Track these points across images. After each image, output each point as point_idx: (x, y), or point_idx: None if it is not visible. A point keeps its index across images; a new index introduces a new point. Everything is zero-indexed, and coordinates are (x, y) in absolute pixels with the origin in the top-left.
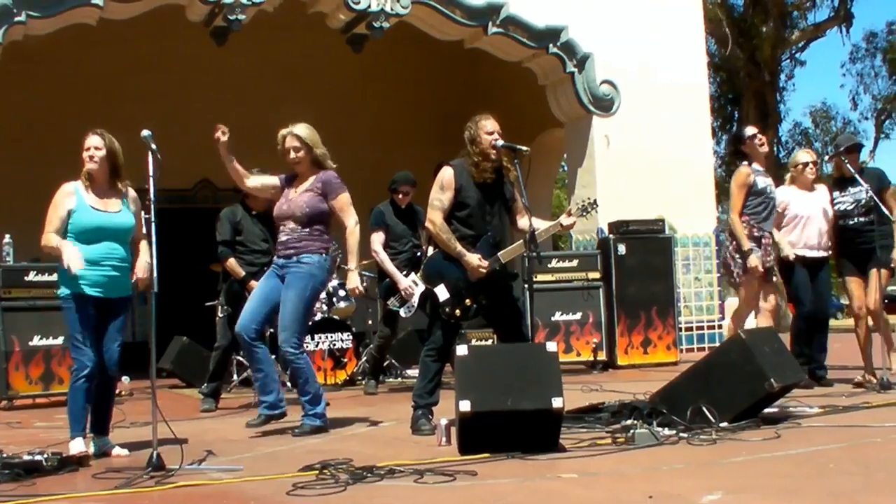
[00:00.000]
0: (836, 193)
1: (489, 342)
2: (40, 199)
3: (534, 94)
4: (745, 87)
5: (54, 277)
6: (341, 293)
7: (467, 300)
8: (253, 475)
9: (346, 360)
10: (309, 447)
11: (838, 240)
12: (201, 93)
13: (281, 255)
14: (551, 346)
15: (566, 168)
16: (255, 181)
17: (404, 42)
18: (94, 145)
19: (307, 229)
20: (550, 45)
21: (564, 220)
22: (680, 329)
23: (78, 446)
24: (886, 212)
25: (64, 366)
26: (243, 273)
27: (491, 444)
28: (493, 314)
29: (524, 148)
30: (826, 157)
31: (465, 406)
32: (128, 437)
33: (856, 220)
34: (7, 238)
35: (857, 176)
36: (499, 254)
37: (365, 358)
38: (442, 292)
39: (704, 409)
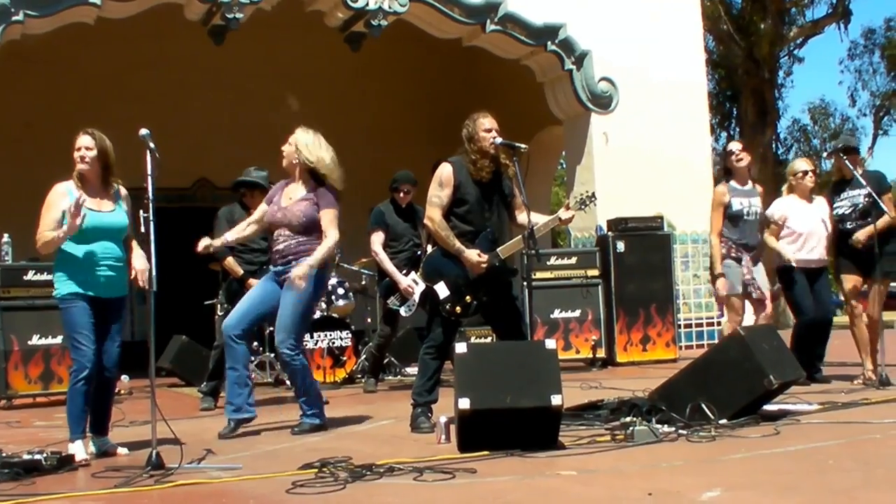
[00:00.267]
0: (835, 196)
1: (488, 340)
2: (39, 198)
3: (532, 91)
4: (743, 85)
5: (52, 277)
6: (340, 291)
7: (467, 297)
8: (252, 474)
9: (345, 358)
10: (308, 445)
11: (837, 241)
12: (199, 92)
13: (279, 263)
14: (550, 344)
15: (565, 165)
16: (254, 225)
17: (402, 40)
18: (85, 145)
19: (302, 237)
20: (549, 43)
21: (563, 213)
22: (679, 326)
23: (78, 450)
24: (886, 210)
25: (63, 365)
26: (242, 272)
27: (490, 441)
28: (491, 311)
29: (522, 145)
30: (825, 155)
31: (465, 404)
32: (127, 436)
33: (853, 223)
34: (6, 237)
35: (857, 176)
36: (498, 249)
37: (364, 356)
38: (442, 290)
39: (703, 406)
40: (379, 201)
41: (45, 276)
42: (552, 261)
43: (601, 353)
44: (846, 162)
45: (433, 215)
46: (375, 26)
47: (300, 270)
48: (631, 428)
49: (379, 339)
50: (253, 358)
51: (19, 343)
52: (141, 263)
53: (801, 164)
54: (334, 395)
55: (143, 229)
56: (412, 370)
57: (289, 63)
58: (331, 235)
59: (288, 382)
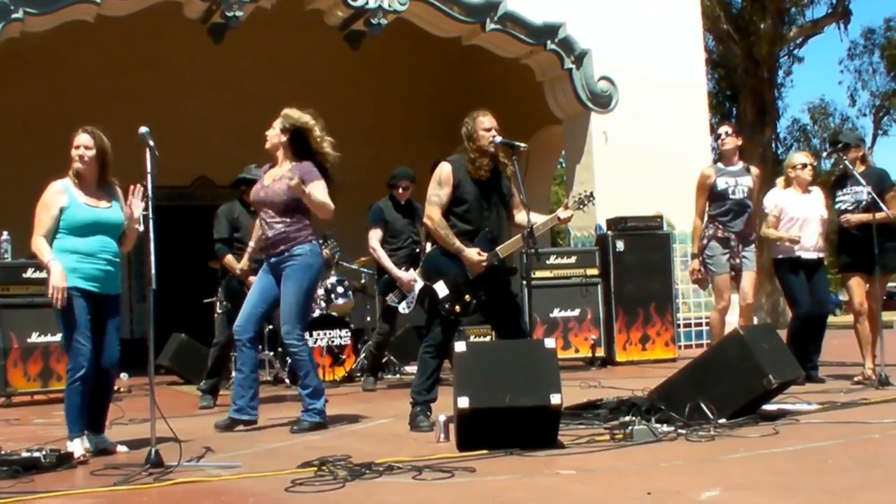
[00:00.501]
0: (837, 192)
1: (487, 339)
2: (38, 196)
3: (531, 90)
4: (743, 84)
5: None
6: (339, 290)
7: (467, 296)
8: (251, 472)
9: (344, 356)
10: (307, 444)
11: (839, 238)
12: (199, 90)
13: (272, 255)
14: (549, 343)
15: (564, 165)
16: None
17: (402, 39)
18: (84, 144)
19: (287, 219)
20: (548, 42)
21: (562, 213)
22: (678, 325)
23: (77, 448)
24: (886, 210)
25: (62, 363)
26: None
27: (489, 440)
28: (491, 310)
29: (522, 144)
30: (825, 154)
31: (464, 402)
32: (126, 434)
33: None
34: (5, 235)
35: (856, 174)
36: (497, 248)
37: (363, 354)
38: (441, 289)
39: (703, 405)
40: (378, 199)
41: (44, 274)
42: (551, 260)
43: (600, 353)
44: (846, 161)
45: (432, 214)
46: (375, 25)
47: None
48: (630, 427)
49: (378, 336)
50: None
51: (18, 340)
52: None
53: (800, 157)
54: (333, 394)
55: (142, 227)
56: (411, 369)
57: (288, 61)
58: (329, 204)
59: (288, 381)
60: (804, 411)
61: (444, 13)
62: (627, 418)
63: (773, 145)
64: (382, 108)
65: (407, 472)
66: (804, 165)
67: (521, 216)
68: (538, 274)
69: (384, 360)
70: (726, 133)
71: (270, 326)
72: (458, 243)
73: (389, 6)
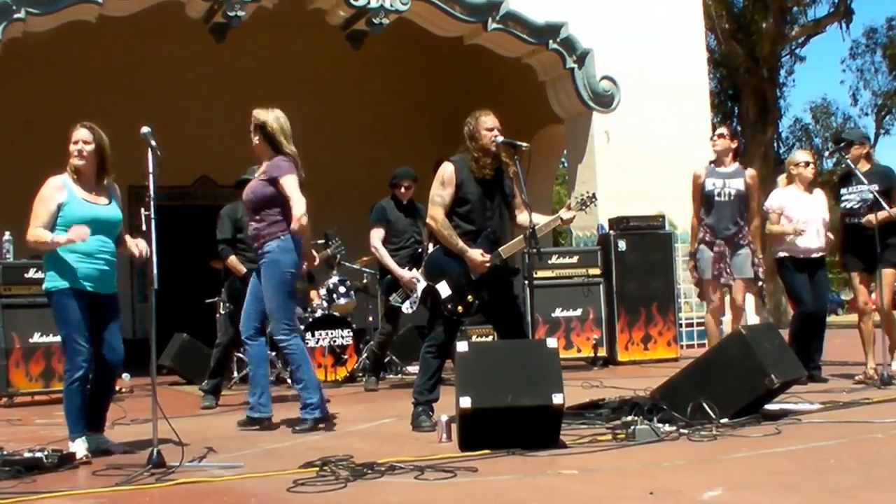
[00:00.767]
0: (842, 191)
1: (489, 339)
2: None
3: (533, 90)
4: (744, 84)
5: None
6: (341, 290)
7: (469, 296)
8: (253, 472)
9: (346, 356)
10: (309, 444)
11: (844, 236)
12: (201, 90)
13: (257, 253)
14: (551, 343)
15: (566, 164)
16: None
17: (404, 39)
18: (83, 139)
19: (258, 216)
20: (550, 41)
21: (564, 213)
22: (680, 325)
23: (79, 448)
24: (888, 210)
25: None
26: (245, 270)
27: (491, 440)
28: (493, 311)
29: (524, 144)
30: (826, 153)
31: (466, 402)
32: (128, 435)
33: (861, 218)
34: (7, 235)
35: (858, 172)
36: (500, 249)
37: (365, 354)
38: (444, 289)
39: (705, 405)
40: (380, 199)
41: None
42: (553, 259)
43: (602, 352)
44: (848, 160)
45: (435, 215)
46: (377, 24)
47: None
48: (632, 427)
49: (380, 336)
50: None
51: (20, 341)
52: (142, 244)
53: (802, 155)
54: (335, 394)
55: (144, 227)
56: (413, 369)
57: (290, 61)
58: (296, 202)
59: (290, 381)
60: (806, 411)
61: (445, 13)
62: (629, 418)
63: (775, 145)
64: (384, 107)
65: (409, 472)
66: (806, 163)
67: (523, 217)
68: (540, 274)
69: (386, 360)
70: (719, 135)
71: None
72: (461, 243)
73: (391, 6)
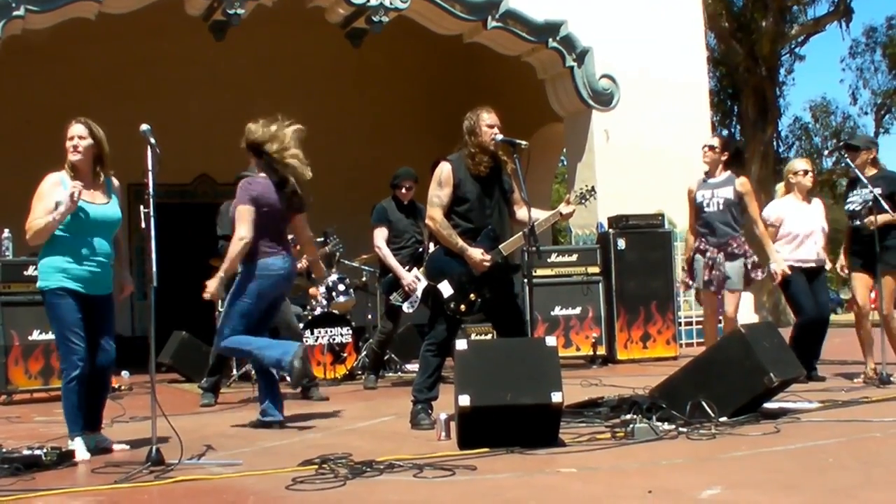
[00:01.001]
0: (849, 194)
1: (488, 337)
2: None
3: (533, 88)
4: (744, 82)
5: (38, 266)
6: (341, 288)
7: (472, 295)
8: (252, 470)
9: (345, 354)
10: (308, 442)
11: (848, 238)
12: (200, 88)
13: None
14: (551, 341)
15: (566, 162)
16: None
17: (403, 37)
18: (79, 134)
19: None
20: (550, 40)
21: (564, 208)
22: (679, 324)
23: (79, 447)
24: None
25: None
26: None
27: (490, 438)
28: (493, 309)
29: (523, 142)
30: (826, 153)
31: (465, 401)
32: (127, 432)
33: (863, 221)
34: (6, 233)
35: (860, 175)
36: (500, 246)
37: (365, 352)
38: (446, 288)
39: (704, 403)
40: (380, 198)
41: None
42: (553, 258)
43: (601, 351)
44: (847, 161)
45: (434, 215)
46: (376, 22)
47: (209, 288)
48: (631, 425)
49: (380, 335)
50: None
51: (20, 338)
52: (128, 284)
53: (800, 164)
54: (335, 392)
55: (143, 225)
56: (412, 367)
57: (290, 59)
58: (236, 234)
59: (288, 378)
60: (805, 409)
61: (445, 11)
62: (628, 416)
63: (775, 143)
64: (384, 105)
65: (408, 471)
66: (805, 172)
67: (522, 213)
68: (539, 272)
69: (385, 359)
70: (709, 147)
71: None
72: (461, 243)
73: (391, 4)
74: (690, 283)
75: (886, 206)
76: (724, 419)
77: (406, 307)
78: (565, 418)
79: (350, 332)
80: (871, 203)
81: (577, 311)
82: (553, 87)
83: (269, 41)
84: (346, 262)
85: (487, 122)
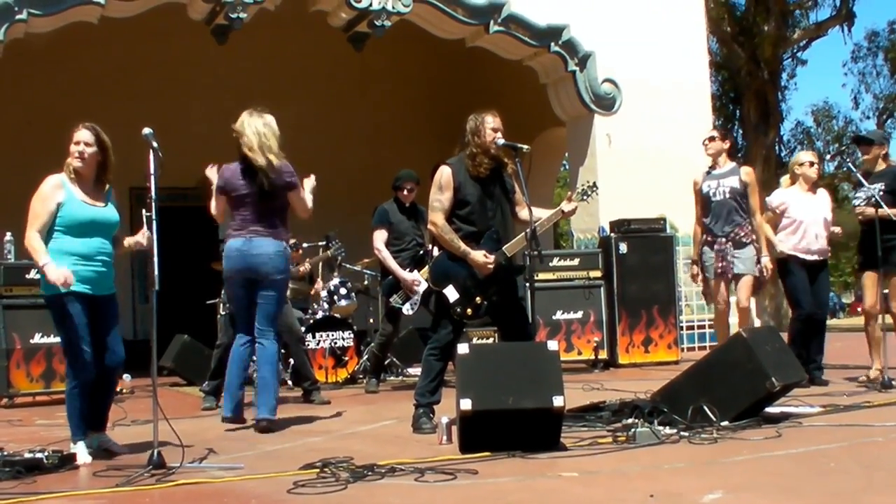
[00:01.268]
0: (857, 189)
1: (490, 341)
2: None
3: (535, 92)
4: (746, 87)
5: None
6: (342, 292)
7: (477, 298)
8: (254, 473)
9: (347, 358)
10: (309, 445)
11: (860, 237)
12: (203, 91)
13: None
14: (552, 345)
15: (568, 167)
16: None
17: (405, 41)
18: (85, 140)
19: None
20: (552, 44)
21: (566, 206)
22: (681, 328)
23: (81, 451)
24: (887, 210)
25: (65, 364)
26: None
27: (492, 442)
28: (497, 311)
29: (525, 146)
30: (828, 156)
31: (466, 405)
32: (129, 436)
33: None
34: (8, 236)
35: (859, 177)
36: (503, 248)
37: (366, 356)
38: (451, 293)
39: (705, 407)
40: (381, 201)
41: None
42: (554, 262)
43: (603, 355)
44: (849, 164)
45: (436, 220)
46: (379, 27)
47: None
48: (633, 429)
49: (381, 338)
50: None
51: (21, 341)
52: (144, 233)
53: (806, 155)
54: (336, 395)
55: (145, 228)
56: (414, 371)
57: (292, 62)
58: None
59: (290, 383)
60: (807, 414)
61: (447, 15)
62: (630, 421)
63: (777, 148)
64: (386, 109)
65: (409, 474)
66: (811, 163)
67: (524, 213)
68: (541, 276)
69: (387, 362)
70: (710, 138)
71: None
72: (463, 246)
73: (393, 8)
74: (700, 275)
75: (883, 204)
76: (725, 423)
77: (406, 309)
78: (567, 422)
79: (352, 335)
80: (872, 198)
81: (579, 315)
82: (555, 91)
83: (272, 44)
84: (348, 265)
85: (491, 126)
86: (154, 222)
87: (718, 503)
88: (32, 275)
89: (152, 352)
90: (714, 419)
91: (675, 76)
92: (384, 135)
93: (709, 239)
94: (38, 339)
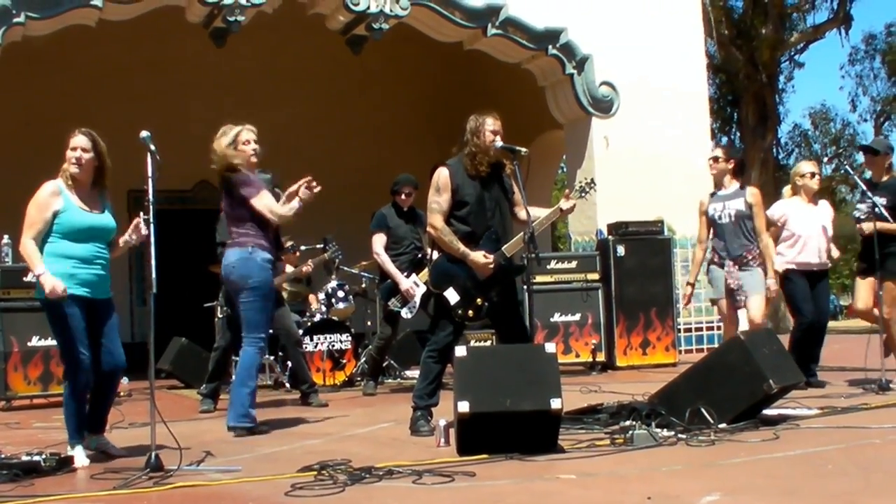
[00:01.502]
0: (864, 197)
1: (488, 343)
2: None
3: (533, 95)
4: (744, 89)
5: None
6: (340, 294)
7: (478, 299)
8: (251, 476)
9: (344, 361)
10: (307, 448)
11: (861, 245)
12: (200, 94)
13: None
14: (550, 347)
15: (565, 169)
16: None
17: (403, 44)
18: (82, 146)
19: None
20: (550, 47)
21: (564, 204)
22: (679, 330)
23: (78, 455)
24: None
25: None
26: None
27: (489, 444)
28: (496, 314)
29: (523, 149)
30: (826, 159)
31: (464, 407)
32: (127, 438)
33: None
34: (5, 238)
35: (862, 185)
36: (503, 248)
37: (364, 359)
38: (452, 295)
39: (703, 410)
40: (380, 204)
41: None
42: (552, 264)
43: (601, 357)
44: (855, 177)
45: (435, 222)
46: (376, 30)
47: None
48: (630, 432)
49: (379, 341)
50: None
51: (19, 344)
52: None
53: (807, 166)
54: (334, 398)
55: (143, 231)
56: (411, 373)
57: (290, 65)
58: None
59: (288, 385)
60: (804, 416)
61: (445, 18)
62: (628, 423)
63: (774, 150)
64: (384, 112)
65: (407, 477)
66: (812, 175)
67: (523, 214)
68: (539, 278)
69: (385, 365)
70: (713, 158)
71: (271, 331)
72: (462, 248)
73: (391, 11)
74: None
75: (888, 216)
76: (723, 425)
77: (404, 313)
78: (564, 424)
79: (349, 338)
80: (876, 210)
81: (577, 317)
82: (553, 94)
83: (270, 46)
84: (346, 268)
85: (491, 129)
86: (152, 225)
87: None
88: (30, 278)
89: (150, 354)
90: (712, 421)
91: (672, 79)
92: (383, 136)
93: (716, 260)
94: (35, 341)
